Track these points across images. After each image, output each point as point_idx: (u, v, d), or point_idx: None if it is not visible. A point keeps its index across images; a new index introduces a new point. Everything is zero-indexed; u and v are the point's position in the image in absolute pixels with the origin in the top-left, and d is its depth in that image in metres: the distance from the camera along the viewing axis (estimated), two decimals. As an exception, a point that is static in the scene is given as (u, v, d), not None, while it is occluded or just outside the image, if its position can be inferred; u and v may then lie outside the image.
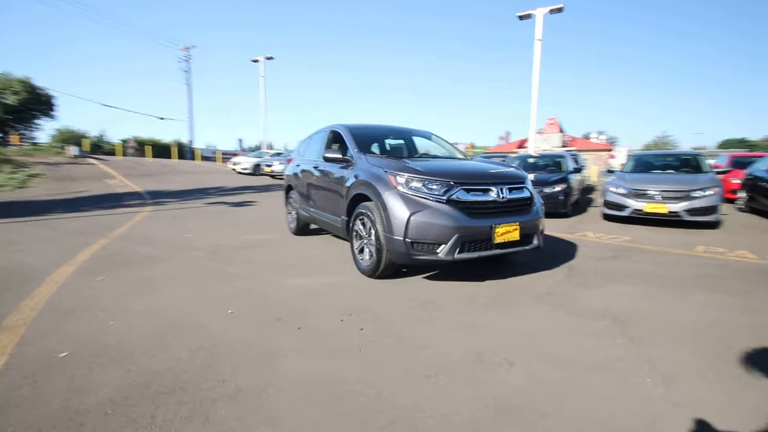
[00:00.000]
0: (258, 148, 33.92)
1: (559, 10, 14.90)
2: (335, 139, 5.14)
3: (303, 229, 5.99)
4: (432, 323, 2.82)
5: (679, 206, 6.67)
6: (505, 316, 2.94)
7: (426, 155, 5.05)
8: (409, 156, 4.87)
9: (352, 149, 4.43)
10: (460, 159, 4.69)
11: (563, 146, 31.41)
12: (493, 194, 3.58)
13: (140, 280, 3.74)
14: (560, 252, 5.00)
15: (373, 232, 3.68)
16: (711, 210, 6.60)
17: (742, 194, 9.15)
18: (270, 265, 4.36)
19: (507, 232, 3.54)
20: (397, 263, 3.64)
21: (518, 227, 3.61)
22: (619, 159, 30.69)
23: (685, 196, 6.70)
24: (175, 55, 59.52)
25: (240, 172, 20.09)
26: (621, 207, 7.24)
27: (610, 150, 35.50)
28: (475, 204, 3.51)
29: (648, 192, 6.99)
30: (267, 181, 17.25)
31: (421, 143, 5.42)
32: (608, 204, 7.51)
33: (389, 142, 5.23)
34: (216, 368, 2.16)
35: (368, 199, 3.88)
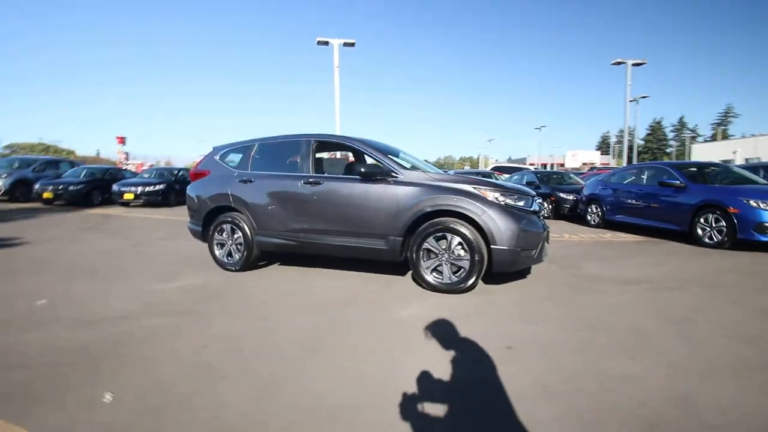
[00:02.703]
0: None
1: (352, 44, 16.97)
2: (317, 149, 4.60)
3: (255, 261, 4.77)
4: (595, 297, 3.25)
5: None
6: (593, 298, 3.69)
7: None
8: None
9: (391, 164, 4.14)
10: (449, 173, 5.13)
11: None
12: (537, 204, 4.32)
13: (164, 384, 2.25)
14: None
15: (462, 246, 3.69)
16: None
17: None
18: (316, 308, 3.41)
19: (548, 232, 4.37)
20: (494, 272, 3.80)
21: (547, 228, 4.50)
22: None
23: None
24: None
25: None
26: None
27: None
28: (538, 213, 4.15)
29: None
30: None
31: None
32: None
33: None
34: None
35: (443, 215, 3.83)
